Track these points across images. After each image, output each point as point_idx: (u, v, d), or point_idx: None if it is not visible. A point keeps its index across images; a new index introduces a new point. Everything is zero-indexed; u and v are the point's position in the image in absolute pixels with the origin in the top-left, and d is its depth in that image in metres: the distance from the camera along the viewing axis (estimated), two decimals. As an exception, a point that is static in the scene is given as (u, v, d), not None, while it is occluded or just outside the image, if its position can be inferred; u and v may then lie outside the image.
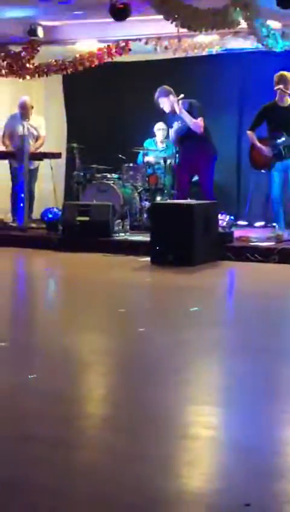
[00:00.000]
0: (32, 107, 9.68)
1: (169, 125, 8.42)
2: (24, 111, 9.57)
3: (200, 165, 8.32)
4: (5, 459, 2.44)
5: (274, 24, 8.34)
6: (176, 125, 8.30)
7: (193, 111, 8.25)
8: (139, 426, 2.79)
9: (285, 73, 7.99)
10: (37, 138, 9.63)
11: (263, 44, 8.47)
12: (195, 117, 8.22)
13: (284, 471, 2.40)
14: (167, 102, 8.26)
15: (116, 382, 3.47)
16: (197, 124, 8.18)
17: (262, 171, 8.44)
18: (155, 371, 3.54)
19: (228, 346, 4.17)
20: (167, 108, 8.31)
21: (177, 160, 8.62)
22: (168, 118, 8.41)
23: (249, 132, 8.31)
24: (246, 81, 10.12)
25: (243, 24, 8.09)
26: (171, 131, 8.45)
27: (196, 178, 8.67)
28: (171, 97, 8.22)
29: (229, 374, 3.56)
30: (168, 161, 9.14)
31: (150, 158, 9.49)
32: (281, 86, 7.95)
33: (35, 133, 9.59)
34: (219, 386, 3.42)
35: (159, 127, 9.87)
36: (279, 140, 8.02)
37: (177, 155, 8.57)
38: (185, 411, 3.02)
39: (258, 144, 8.20)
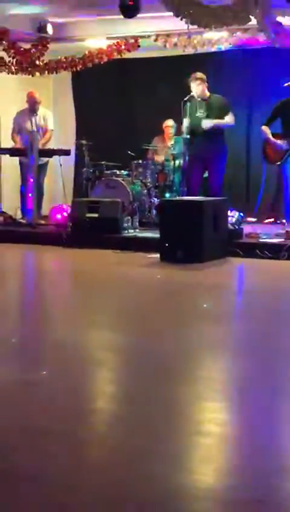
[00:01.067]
0: (40, 102, 9.69)
1: (185, 115, 8.43)
2: (32, 106, 9.58)
3: (212, 159, 8.37)
4: (18, 454, 2.46)
5: (284, 21, 8.33)
6: (199, 115, 8.32)
7: (223, 110, 8.37)
8: (151, 422, 2.80)
9: None
10: (45, 132, 9.63)
11: (272, 41, 8.45)
12: (227, 113, 8.35)
13: (296, 469, 2.41)
14: (200, 86, 8.32)
15: (128, 379, 3.48)
16: (231, 122, 8.37)
17: (276, 164, 8.41)
18: (167, 368, 3.55)
19: (240, 344, 4.18)
20: (197, 93, 8.34)
21: (187, 157, 8.64)
22: (185, 107, 8.42)
23: (263, 127, 8.31)
24: (255, 78, 10.12)
25: (253, 21, 8.07)
26: (186, 121, 8.44)
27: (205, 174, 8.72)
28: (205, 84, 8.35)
29: (241, 371, 3.56)
30: (177, 159, 9.15)
31: (158, 155, 9.50)
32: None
33: (42, 124, 9.60)
34: (230, 383, 3.42)
35: (168, 124, 9.87)
36: None
37: (187, 150, 8.59)
38: (197, 408, 3.03)
39: (273, 139, 8.22)
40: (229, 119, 8.43)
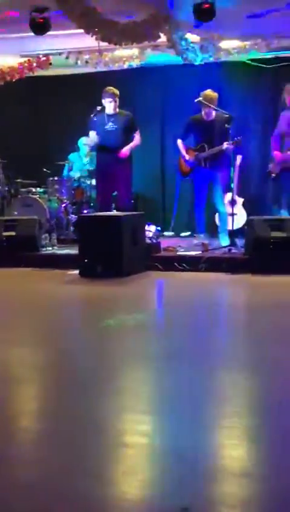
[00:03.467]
0: None
1: (93, 129, 8.43)
2: None
3: (119, 176, 8.39)
4: None
5: (193, 37, 8.50)
6: (107, 127, 8.33)
7: (131, 125, 8.41)
8: (74, 438, 2.78)
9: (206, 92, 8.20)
10: None
11: (182, 57, 8.62)
12: (135, 130, 8.41)
13: (220, 475, 2.44)
14: (112, 104, 8.35)
15: (50, 395, 3.45)
16: (139, 141, 8.41)
17: (187, 178, 8.64)
18: (88, 382, 3.54)
19: (161, 354, 4.21)
20: (109, 110, 8.37)
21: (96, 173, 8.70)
22: (93, 122, 8.42)
23: (178, 141, 8.52)
24: (167, 94, 10.29)
25: (163, 37, 8.21)
26: (93, 135, 8.43)
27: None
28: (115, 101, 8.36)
29: (162, 381, 3.58)
30: (93, 175, 9.19)
31: (75, 171, 9.50)
32: (200, 98, 8.15)
33: None
34: (152, 393, 3.44)
35: (84, 142, 9.89)
36: (201, 154, 8.28)
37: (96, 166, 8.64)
38: (120, 420, 3.03)
39: (183, 153, 8.43)
40: (137, 139, 8.48)
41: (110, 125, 8.37)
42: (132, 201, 8.66)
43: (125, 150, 8.29)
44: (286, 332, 4.72)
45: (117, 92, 8.38)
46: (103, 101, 8.38)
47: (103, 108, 8.30)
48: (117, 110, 8.44)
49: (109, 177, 8.45)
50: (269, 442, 2.74)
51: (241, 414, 3.06)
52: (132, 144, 8.38)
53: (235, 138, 8.03)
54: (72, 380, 3.61)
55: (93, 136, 8.41)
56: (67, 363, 3.98)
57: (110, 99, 8.35)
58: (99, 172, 8.57)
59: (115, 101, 8.37)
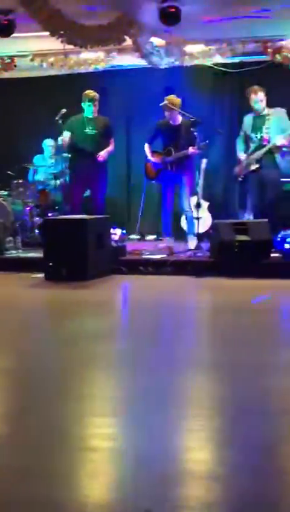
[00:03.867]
0: None
1: (69, 130, 8.44)
2: None
3: (95, 178, 8.43)
4: None
5: (158, 41, 8.52)
6: (87, 131, 8.37)
7: (109, 130, 8.57)
8: (37, 442, 2.76)
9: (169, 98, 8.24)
10: None
11: (147, 61, 8.63)
12: (111, 136, 8.55)
13: (183, 477, 2.44)
14: (91, 108, 8.44)
15: (12, 399, 3.42)
16: (113, 147, 8.55)
17: (153, 182, 8.67)
18: (52, 386, 3.52)
19: (125, 358, 4.20)
20: (88, 113, 8.44)
21: (68, 176, 8.68)
22: (70, 124, 8.45)
23: (145, 145, 8.56)
24: (133, 97, 10.29)
25: (128, 41, 8.21)
26: (68, 135, 8.43)
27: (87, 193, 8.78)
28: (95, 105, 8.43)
29: (126, 385, 3.58)
30: (58, 177, 9.16)
31: (39, 174, 9.45)
32: (166, 102, 8.17)
33: None
34: (116, 398, 3.43)
35: (48, 144, 9.87)
36: (167, 158, 8.32)
37: (68, 169, 8.63)
38: (84, 424, 3.01)
39: (149, 156, 8.47)
40: (112, 145, 8.57)
41: (89, 129, 8.41)
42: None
43: (104, 153, 8.37)
44: (249, 334, 4.75)
45: (97, 96, 8.41)
46: (83, 104, 8.43)
47: (67, 111, 8.28)
48: (96, 114, 8.47)
49: (84, 180, 8.52)
50: (234, 444, 2.75)
51: (207, 416, 3.06)
52: (108, 149, 8.50)
53: (201, 143, 8.07)
54: (35, 384, 3.58)
55: (67, 137, 8.41)
56: (30, 367, 3.94)
57: (90, 103, 8.39)
58: (75, 175, 8.61)
59: (95, 105, 8.41)
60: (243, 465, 2.52)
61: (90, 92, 8.42)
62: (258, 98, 8.00)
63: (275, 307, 5.92)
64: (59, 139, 8.54)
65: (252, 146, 8.14)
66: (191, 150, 8.12)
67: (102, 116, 8.59)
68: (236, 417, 3.04)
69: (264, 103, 8.03)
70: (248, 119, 8.23)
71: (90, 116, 8.44)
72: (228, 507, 2.22)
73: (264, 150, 8.00)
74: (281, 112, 8.01)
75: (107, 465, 2.58)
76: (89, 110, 8.41)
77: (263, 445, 2.71)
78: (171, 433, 2.87)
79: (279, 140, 7.88)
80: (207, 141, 8.12)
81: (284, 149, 7.98)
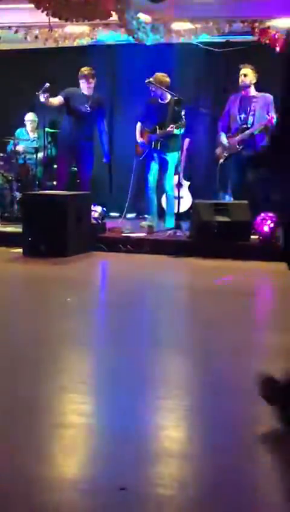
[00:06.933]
0: None
1: (63, 96, 8.42)
2: None
3: (82, 152, 8.44)
4: None
5: (145, 17, 8.44)
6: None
7: (103, 109, 8.68)
8: (13, 417, 2.76)
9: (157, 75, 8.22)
10: None
11: (133, 37, 8.55)
12: (104, 114, 8.76)
13: (157, 456, 2.46)
14: (86, 85, 8.45)
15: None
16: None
17: (140, 159, 8.66)
18: (28, 363, 3.52)
19: (101, 336, 4.21)
20: (84, 90, 8.43)
21: (51, 150, 8.67)
22: (72, 96, 8.45)
23: (138, 123, 8.59)
24: (118, 73, 10.21)
25: (114, 16, 8.12)
26: (61, 99, 8.41)
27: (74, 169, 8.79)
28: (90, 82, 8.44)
29: (103, 362, 3.59)
30: (40, 152, 9.10)
31: (20, 147, 9.35)
32: (151, 79, 8.12)
33: None
34: (92, 374, 3.44)
35: (29, 118, 9.79)
36: (152, 136, 8.31)
37: (52, 144, 8.64)
38: (59, 400, 3.02)
39: (138, 136, 8.50)
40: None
41: (85, 106, 8.38)
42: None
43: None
44: (223, 315, 4.78)
45: (92, 72, 8.40)
46: (80, 81, 8.41)
47: (50, 85, 8.20)
48: (92, 92, 8.43)
49: (74, 154, 8.55)
50: (207, 424, 2.78)
51: (180, 396, 3.09)
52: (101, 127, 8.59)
53: (179, 121, 8.05)
54: (11, 360, 3.58)
55: (57, 100, 8.38)
56: (6, 343, 3.94)
57: (84, 80, 8.38)
58: (64, 147, 8.62)
59: (90, 82, 8.41)
60: (215, 444, 2.55)
61: (84, 69, 8.40)
62: (241, 72, 8.08)
63: (248, 289, 5.95)
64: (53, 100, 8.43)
65: (234, 128, 8.14)
66: (170, 127, 8.16)
67: (97, 93, 8.58)
68: (210, 397, 3.07)
69: (248, 79, 8.06)
70: (234, 99, 8.24)
71: (86, 94, 8.42)
72: (200, 485, 2.25)
73: (247, 133, 8.02)
74: (268, 97, 7.98)
75: (82, 442, 2.60)
76: (84, 87, 8.42)
77: (235, 425, 2.75)
78: (148, 411, 2.89)
79: (258, 129, 7.94)
80: (183, 120, 8.08)
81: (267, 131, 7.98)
